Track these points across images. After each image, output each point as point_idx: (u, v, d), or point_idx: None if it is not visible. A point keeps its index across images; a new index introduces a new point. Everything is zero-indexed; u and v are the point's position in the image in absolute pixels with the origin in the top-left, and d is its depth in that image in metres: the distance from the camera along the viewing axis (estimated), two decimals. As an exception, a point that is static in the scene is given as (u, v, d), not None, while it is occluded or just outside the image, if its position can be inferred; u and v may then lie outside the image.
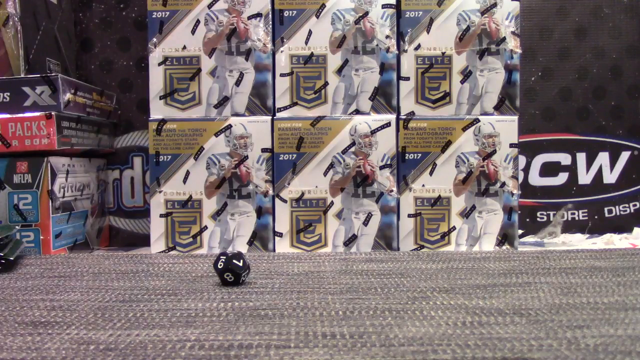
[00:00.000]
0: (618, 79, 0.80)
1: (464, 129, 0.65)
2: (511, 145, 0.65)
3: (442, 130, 0.65)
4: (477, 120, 0.65)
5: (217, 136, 0.64)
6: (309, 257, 0.60)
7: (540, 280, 0.47)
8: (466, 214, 0.65)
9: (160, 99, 0.65)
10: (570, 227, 0.80)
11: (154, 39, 0.65)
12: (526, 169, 0.80)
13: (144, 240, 0.75)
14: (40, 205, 0.61)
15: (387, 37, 0.65)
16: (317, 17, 0.65)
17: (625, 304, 0.40)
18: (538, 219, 0.80)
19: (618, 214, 0.80)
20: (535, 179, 0.80)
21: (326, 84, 0.65)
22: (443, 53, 0.66)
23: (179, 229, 0.65)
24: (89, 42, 0.77)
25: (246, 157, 0.64)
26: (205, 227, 0.65)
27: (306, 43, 0.65)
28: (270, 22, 0.65)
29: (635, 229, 0.79)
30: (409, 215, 0.65)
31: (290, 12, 0.65)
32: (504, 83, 0.66)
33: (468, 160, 0.65)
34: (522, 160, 0.80)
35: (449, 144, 0.65)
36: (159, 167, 0.65)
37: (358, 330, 0.34)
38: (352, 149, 0.64)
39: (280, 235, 0.65)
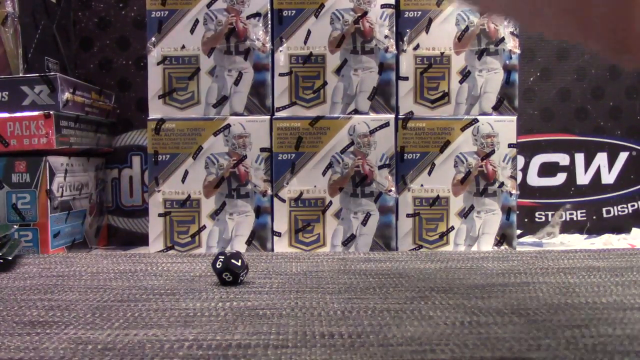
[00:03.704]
0: (616, 79, 0.80)
1: (463, 129, 0.65)
2: (510, 146, 0.65)
3: (440, 130, 0.65)
4: (475, 120, 0.65)
5: (216, 136, 0.64)
6: (308, 256, 0.60)
7: (538, 280, 0.48)
8: (465, 214, 0.65)
9: (159, 98, 0.65)
10: (568, 227, 0.81)
11: (153, 38, 0.65)
12: (525, 169, 0.80)
13: (143, 239, 0.75)
14: (38, 205, 0.61)
15: (386, 37, 0.65)
16: (316, 16, 0.65)
17: (624, 304, 0.40)
18: (536, 219, 0.81)
19: (616, 214, 0.81)
20: (534, 179, 0.80)
21: (325, 83, 0.65)
22: (442, 53, 0.66)
23: (177, 228, 0.65)
24: (88, 41, 0.77)
25: (245, 157, 0.64)
26: (204, 227, 0.65)
27: (305, 43, 0.65)
28: (269, 22, 0.65)
29: (634, 230, 0.79)
30: (408, 215, 0.65)
31: (289, 11, 0.65)
32: (503, 83, 0.66)
33: (467, 160, 0.65)
34: (521, 160, 0.80)
35: (447, 144, 0.65)
36: (158, 167, 0.65)
37: (356, 330, 0.34)
38: (351, 149, 0.64)
39: (279, 234, 0.65)
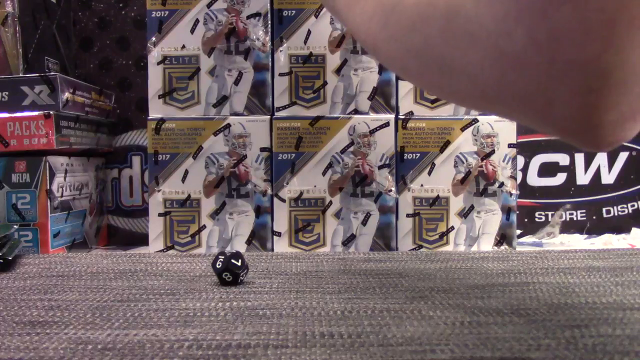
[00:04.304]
0: (617, 79, 0.80)
1: (463, 129, 0.65)
2: (510, 146, 0.65)
3: (440, 130, 0.65)
4: (475, 120, 0.65)
5: (216, 135, 0.64)
6: (308, 256, 0.60)
7: (538, 280, 0.48)
8: (465, 214, 0.65)
9: (159, 98, 0.65)
10: (568, 227, 0.81)
11: (153, 38, 0.65)
12: (525, 169, 0.80)
13: (143, 239, 0.75)
14: (38, 205, 0.61)
15: (386, 37, 0.65)
16: (316, 16, 0.65)
17: (624, 304, 0.40)
18: (536, 219, 0.81)
19: (616, 214, 0.81)
20: (534, 179, 0.80)
21: (325, 83, 0.65)
22: (442, 53, 0.65)
23: (177, 228, 0.65)
24: (88, 41, 0.77)
25: (245, 157, 0.64)
26: (204, 227, 0.65)
27: (305, 43, 0.65)
28: (269, 22, 0.65)
29: (634, 230, 0.79)
30: (408, 215, 0.65)
31: (290, 11, 0.65)
32: (503, 83, 0.66)
33: (466, 160, 0.65)
34: (521, 160, 0.80)
35: (447, 144, 0.65)
36: (158, 166, 0.65)
37: (356, 330, 0.34)
38: (351, 149, 0.64)
39: (279, 234, 0.65)
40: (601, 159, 0.80)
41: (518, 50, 0.25)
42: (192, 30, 0.65)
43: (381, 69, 0.65)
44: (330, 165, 0.64)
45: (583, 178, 0.80)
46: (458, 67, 0.29)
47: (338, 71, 0.65)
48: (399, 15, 0.32)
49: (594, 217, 0.81)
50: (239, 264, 0.46)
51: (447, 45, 0.29)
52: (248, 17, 0.65)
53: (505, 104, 0.29)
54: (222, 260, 0.46)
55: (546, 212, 0.80)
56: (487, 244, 0.66)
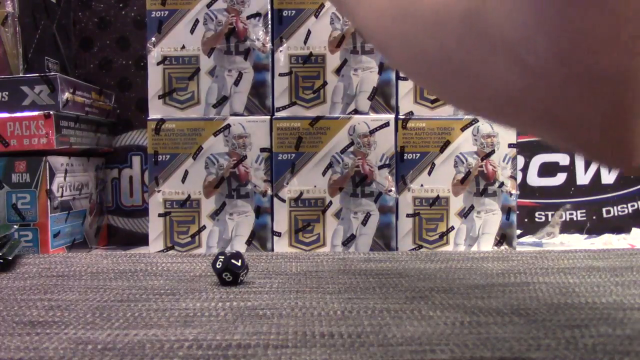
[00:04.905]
0: (617, 79, 0.80)
1: (463, 129, 0.65)
2: (510, 146, 0.65)
3: (440, 130, 0.65)
4: (475, 120, 0.65)
5: (216, 136, 0.64)
6: (308, 256, 0.60)
7: (538, 280, 0.48)
8: (465, 214, 0.65)
9: (159, 98, 0.65)
10: (568, 227, 0.81)
11: (153, 39, 0.65)
12: (525, 169, 0.80)
13: (143, 239, 0.75)
14: (38, 205, 0.61)
15: (386, 37, 0.65)
16: (316, 16, 0.65)
17: (624, 304, 0.40)
18: (536, 219, 0.81)
19: (616, 214, 0.81)
20: (534, 179, 0.80)
21: (325, 83, 0.65)
22: (442, 53, 0.65)
23: (177, 228, 0.65)
24: (88, 41, 0.77)
25: (245, 157, 0.64)
26: (204, 227, 0.65)
27: (305, 43, 0.65)
28: (269, 22, 0.65)
29: (634, 230, 0.79)
30: (408, 215, 0.65)
31: (289, 11, 0.65)
32: (503, 83, 0.66)
33: (466, 160, 0.65)
34: (521, 160, 0.80)
35: (447, 144, 0.65)
36: (158, 167, 0.65)
37: (356, 330, 0.34)
38: (351, 149, 0.64)
39: (279, 234, 0.65)
40: (601, 159, 0.80)
41: (540, 61, 0.23)
42: (192, 31, 0.65)
43: (381, 69, 0.65)
44: (330, 165, 0.64)
45: (583, 178, 0.80)
46: (474, 75, 0.27)
47: (338, 71, 0.65)
48: (414, 14, 0.30)
49: (594, 217, 0.81)
50: (239, 264, 0.46)
51: (464, 52, 0.27)
52: (248, 17, 0.65)
53: (525, 120, 0.27)
54: (222, 260, 0.46)
55: (546, 212, 0.80)
56: (487, 244, 0.66)
